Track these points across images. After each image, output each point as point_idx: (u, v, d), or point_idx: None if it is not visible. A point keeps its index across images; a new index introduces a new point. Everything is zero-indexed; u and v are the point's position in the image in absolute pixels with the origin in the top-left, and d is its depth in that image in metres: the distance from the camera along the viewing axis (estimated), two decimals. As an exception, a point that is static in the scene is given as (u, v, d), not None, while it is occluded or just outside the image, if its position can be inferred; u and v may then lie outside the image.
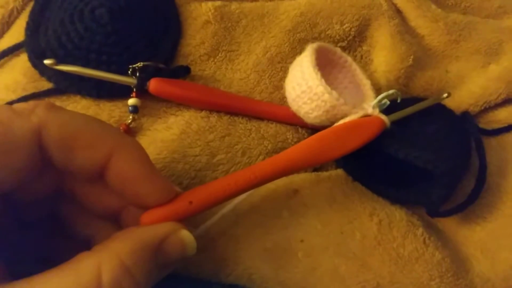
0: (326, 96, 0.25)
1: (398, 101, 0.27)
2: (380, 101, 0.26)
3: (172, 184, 0.20)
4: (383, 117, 0.26)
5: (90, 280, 0.16)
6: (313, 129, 0.29)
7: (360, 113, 0.26)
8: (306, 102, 0.26)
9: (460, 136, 0.28)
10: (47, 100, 0.17)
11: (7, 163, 0.16)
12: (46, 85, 0.27)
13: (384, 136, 0.26)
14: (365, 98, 0.28)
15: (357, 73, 0.30)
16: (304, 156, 0.23)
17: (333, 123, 0.26)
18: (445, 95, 0.29)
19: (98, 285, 0.16)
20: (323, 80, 0.26)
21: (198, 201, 0.21)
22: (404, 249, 0.25)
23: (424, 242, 0.25)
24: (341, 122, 0.25)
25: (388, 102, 0.26)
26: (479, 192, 0.26)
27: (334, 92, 0.25)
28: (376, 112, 0.26)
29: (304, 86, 0.26)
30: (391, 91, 0.26)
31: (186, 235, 0.19)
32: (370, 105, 0.26)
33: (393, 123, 0.27)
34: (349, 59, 0.30)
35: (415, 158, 0.25)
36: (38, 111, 0.17)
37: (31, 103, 0.18)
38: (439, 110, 0.30)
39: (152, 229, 0.19)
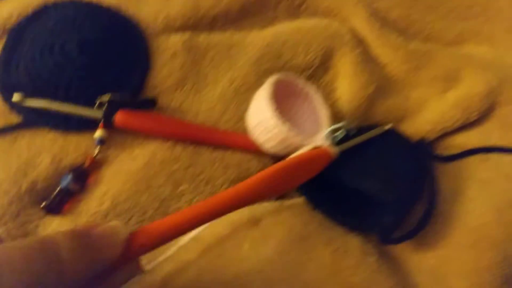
0: (278, 128, 0.27)
1: (342, 134, 0.29)
2: (332, 132, 0.28)
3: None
4: (332, 149, 0.27)
5: None
6: (276, 157, 0.31)
7: (312, 145, 0.27)
8: (262, 132, 0.28)
9: (413, 164, 0.29)
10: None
11: None
12: (16, 119, 0.28)
13: (339, 166, 0.28)
14: (323, 129, 0.30)
15: (318, 104, 0.31)
16: (255, 188, 0.24)
17: (289, 152, 0.28)
18: (389, 126, 0.32)
19: None
20: (276, 113, 0.27)
21: (148, 240, 0.20)
22: (356, 277, 0.26)
23: (376, 270, 0.26)
24: (293, 155, 0.27)
25: (342, 134, 0.28)
26: (428, 219, 0.27)
27: (286, 124, 0.27)
28: (326, 144, 0.27)
29: (260, 118, 0.28)
30: (339, 124, 0.28)
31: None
32: (321, 138, 0.27)
33: (348, 152, 0.28)
34: (311, 90, 0.32)
35: (366, 188, 0.27)
36: None
37: None
38: (395, 138, 0.32)
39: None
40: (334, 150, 0.27)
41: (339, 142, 0.28)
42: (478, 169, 0.31)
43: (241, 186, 0.24)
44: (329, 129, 0.28)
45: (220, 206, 0.23)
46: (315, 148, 0.27)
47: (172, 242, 0.23)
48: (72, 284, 0.17)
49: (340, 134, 0.28)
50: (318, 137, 0.28)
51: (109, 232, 0.19)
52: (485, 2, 0.37)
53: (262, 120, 0.27)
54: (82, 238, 0.18)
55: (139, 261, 0.21)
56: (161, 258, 0.25)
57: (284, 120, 0.27)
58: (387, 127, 0.31)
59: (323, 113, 0.31)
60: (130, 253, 0.19)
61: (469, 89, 0.35)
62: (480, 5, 0.38)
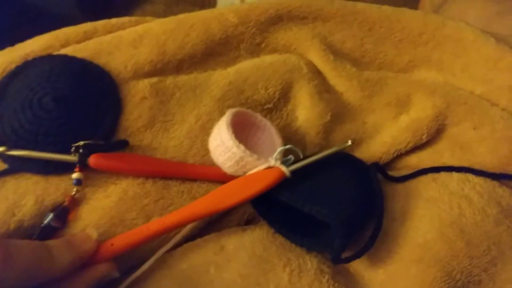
0: (235, 148, 0.30)
1: (293, 157, 0.32)
2: (283, 154, 0.31)
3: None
4: (283, 168, 0.30)
5: None
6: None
7: (265, 165, 0.31)
8: (221, 154, 0.31)
9: (363, 187, 0.32)
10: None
11: None
12: (2, 166, 0.32)
13: (294, 191, 0.31)
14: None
15: (274, 134, 0.34)
16: (205, 204, 0.29)
17: (245, 172, 0.31)
18: (349, 142, 0.34)
19: None
20: (233, 136, 0.31)
21: (118, 242, 0.28)
22: (310, 295, 0.29)
23: (329, 288, 0.29)
24: (248, 173, 0.30)
25: (292, 158, 0.31)
26: (375, 239, 0.29)
27: (241, 146, 0.30)
28: (277, 164, 0.30)
29: (219, 141, 0.31)
30: (287, 146, 0.32)
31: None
32: (273, 158, 0.30)
33: (302, 177, 0.31)
34: (268, 123, 0.35)
35: (316, 212, 0.29)
36: None
37: None
38: (349, 162, 0.35)
39: (90, 274, 0.27)
40: (286, 169, 0.30)
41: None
42: (427, 188, 0.34)
43: (196, 201, 0.30)
44: (279, 149, 0.31)
45: (176, 218, 0.29)
46: (268, 167, 0.30)
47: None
48: (59, 274, 0.25)
49: (291, 157, 0.31)
50: (269, 159, 0.31)
51: (85, 233, 0.29)
52: (433, 29, 0.40)
53: (220, 142, 0.31)
54: (66, 239, 0.27)
55: (114, 266, 0.28)
56: (133, 276, 0.29)
57: (239, 142, 0.31)
58: (344, 145, 0.33)
59: (278, 142, 0.34)
60: (101, 253, 0.28)
61: (419, 113, 0.38)
62: (429, 33, 0.41)
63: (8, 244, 0.23)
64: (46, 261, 0.25)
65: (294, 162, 0.32)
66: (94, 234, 0.29)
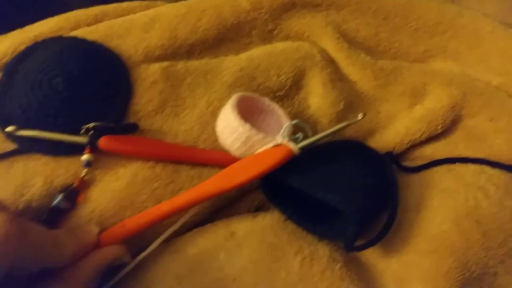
0: (241, 128, 0.30)
1: (302, 136, 0.31)
2: (288, 131, 0.30)
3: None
4: (291, 144, 0.29)
5: None
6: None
7: (272, 143, 0.30)
8: (228, 136, 0.31)
9: (378, 175, 0.31)
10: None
11: None
12: (11, 146, 0.31)
13: (307, 177, 0.30)
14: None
15: (282, 117, 0.34)
16: (214, 183, 0.29)
17: (254, 153, 0.31)
18: (359, 116, 0.32)
19: None
20: (238, 116, 0.30)
21: (129, 224, 0.28)
22: (322, 284, 0.28)
23: (340, 276, 0.28)
24: (256, 152, 0.30)
25: (301, 136, 0.30)
26: (389, 228, 0.29)
27: (246, 125, 0.30)
28: (285, 141, 0.30)
29: (225, 123, 0.31)
30: (294, 121, 0.31)
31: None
32: (280, 135, 0.30)
33: (315, 164, 0.30)
34: (276, 106, 0.34)
35: (330, 199, 0.29)
36: (10, 245, 0.21)
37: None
38: (363, 151, 0.34)
39: (101, 256, 0.27)
40: (294, 146, 0.29)
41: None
42: (442, 179, 0.33)
43: (204, 182, 0.30)
44: (286, 125, 0.30)
45: (185, 199, 0.29)
46: (276, 145, 0.30)
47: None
48: (62, 263, 0.25)
49: (300, 135, 0.31)
50: (276, 137, 0.30)
51: (87, 227, 0.29)
52: (450, 19, 0.40)
53: (227, 124, 0.30)
54: (70, 230, 0.28)
55: (125, 249, 0.28)
56: (141, 256, 0.28)
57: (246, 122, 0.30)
58: (356, 119, 0.32)
59: (285, 124, 0.33)
60: (116, 231, 0.28)
61: (434, 103, 0.37)
62: (446, 23, 0.40)
63: (22, 222, 0.23)
64: (53, 247, 0.25)
65: (304, 139, 0.31)
66: (95, 229, 0.29)
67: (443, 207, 0.31)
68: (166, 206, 0.29)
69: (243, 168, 0.30)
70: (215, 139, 0.34)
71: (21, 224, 0.22)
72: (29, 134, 0.30)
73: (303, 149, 0.30)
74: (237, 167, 0.30)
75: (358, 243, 0.29)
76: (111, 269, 0.29)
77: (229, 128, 0.30)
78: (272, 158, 0.30)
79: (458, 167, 0.34)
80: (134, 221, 0.28)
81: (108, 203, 0.30)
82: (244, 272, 0.29)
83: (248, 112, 0.32)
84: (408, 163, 0.35)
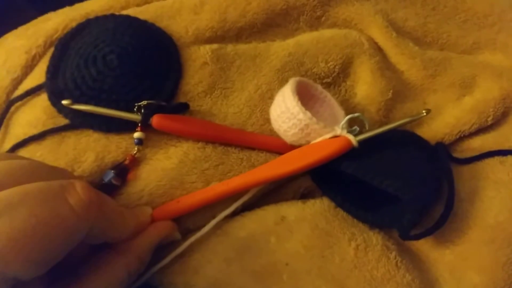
0: (301, 115, 0.29)
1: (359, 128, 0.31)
2: (350, 123, 0.30)
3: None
4: (350, 137, 0.29)
5: (123, 277, 0.24)
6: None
7: (331, 133, 0.29)
8: (285, 121, 0.30)
9: (432, 165, 0.31)
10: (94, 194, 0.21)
11: (61, 253, 0.20)
12: (63, 121, 0.31)
13: (361, 165, 0.30)
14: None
15: (335, 107, 0.33)
16: (270, 168, 0.29)
17: (309, 141, 0.30)
18: (424, 112, 0.31)
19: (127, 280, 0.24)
20: (299, 102, 0.30)
21: (184, 200, 0.28)
22: (377, 271, 0.27)
23: (396, 264, 0.28)
24: (314, 141, 0.29)
25: (358, 129, 0.30)
26: (447, 218, 0.28)
27: (307, 112, 0.29)
28: (344, 132, 0.29)
29: (283, 107, 0.30)
30: (356, 114, 0.30)
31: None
32: (339, 127, 0.29)
33: (369, 152, 0.30)
34: (328, 94, 0.34)
35: (387, 186, 0.28)
36: (92, 211, 0.20)
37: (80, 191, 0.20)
38: (415, 141, 0.33)
39: (156, 231, 0.27)
40: (353, 138, 0.29)
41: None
42: (495, 170, 0.33)
43: (259, 167, 0.30)
44: (347, 117, 0.30)
45: (240, 182, 0.29)
46: (334, 137, 0.29)
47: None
48: (121, 239, 0.25)
49: (356, 128, 0.30)
50: (335, 127, 0.30)
51: (142, 207, 0.29)
52: (500, 12, 0.39)
53: (285, 108, 0.30)
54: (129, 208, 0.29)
55: (176, 229, 0.29)
56: (193, 238, 0.28)
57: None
58: (420, 115, 0.31)
59: (340, 114, 0.33)
60: (171, 207, 0.29)
61: (485, 94, 0.36)
62: (495, 15, 0.39)
63: (100, 193, 0.22)
64: (120, 221, 0.25)
65: (360, 133, 0.30)
66: (149, 209, 0.29)
67: (498, 198, 0.30)
68: (220, 186, 0.29)
69: (301, 155, 0.29)
70: (263, 123, 0.34)
71: (100, 194, 0.22)
72: (85, 108, 0.29)
73: (361, 142, 0.30)
74: (295, 154, 0.29)
75: (412, 233, 0.28)
76: (161, 248, 0.29)
77: (288, 113, 0.30)
78: (331, 148, 0.29)
79: (510, 159, 0.33)
80: (188, 198, 0.28)
81: (158, 181, 0.30)
82: (297, 257, 0.28)
83: (302, 98, 0.32)
84: (456, 155, 0.35)
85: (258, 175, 0.29)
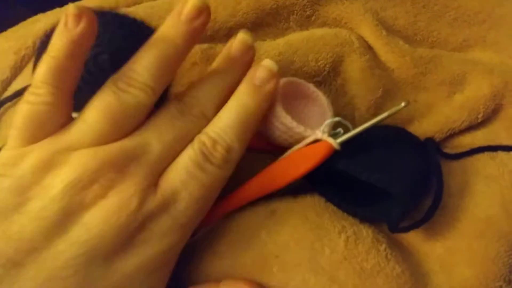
0: (282, 119, 0.30)
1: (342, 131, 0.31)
2: (328, 127, 0.30)
3: None
4: (331, 140, 0.29)
5: None
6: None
7: (312, 137, 0.30)
8: (268, 123, 0.31)
9: (420, 159, 0.31)
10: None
11: None
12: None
13: (349, 160, 0.30)
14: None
15: (325, 106, 0.33)
16: (256, 187, 0.30)
17: (292, 143, 0.31)
18: (402, 104, 0.29)
19: None
20: (280, 105, 0.30)
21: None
22: (367, 263, 0.27)
23: (386, 257, 0.28)
24: (295, 147, 0.30)
25: (342, 131, 0.30)
26: (435, 211, 0.28)
27: (288, 117, 0.30)
28: (325, 137, 0.29)
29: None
30: (336, 118, 0.30)
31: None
32: (320, 131, 0.29)
33: (357, 146, 0.30)
34: (320, 93, 0.34)
35: (376, 180, 0.28)
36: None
37: None
38: (405, 136, 0.33)
39: None
40: (334, 142, 0.29)
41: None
42: (485, 166, 0.33)
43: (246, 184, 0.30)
44: (326, 122, 0.30)
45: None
46: (316, 140, 0.29)
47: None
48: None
49: (340, 130, 0.30)
50: (316, 131, 0.30)
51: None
52: (490, 9, 0.39)
53: (269, 112, 0.30)
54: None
55: None
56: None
57: (288, 113, 0.30)
58: (398, 107, 0.30)
59: (329, 115, 0.33)
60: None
61: (475, 92, 0.36)
62: (485, 12, 0.39)
63: None
64: None
65: (344, 134, 0.30)
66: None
67: (489, 193, 0.30)
68: None
69: (285, 169, 0.30)
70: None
71: None
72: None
73: (343, 143, 0.30)
74: (278, 169, 0.30)
75: (401, 226, 0.28)
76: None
77: (271, 117, 0.30)
78: (314, 157, 0.29)
79: (501, 154, 0.33)
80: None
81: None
82: (287, 249, 0.28)
83: (292, 97, 0.32)
84: (447, 152, 0.35)
85: (244, 195, 0.30)
